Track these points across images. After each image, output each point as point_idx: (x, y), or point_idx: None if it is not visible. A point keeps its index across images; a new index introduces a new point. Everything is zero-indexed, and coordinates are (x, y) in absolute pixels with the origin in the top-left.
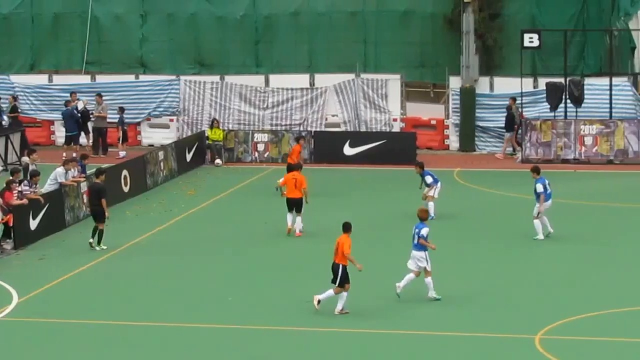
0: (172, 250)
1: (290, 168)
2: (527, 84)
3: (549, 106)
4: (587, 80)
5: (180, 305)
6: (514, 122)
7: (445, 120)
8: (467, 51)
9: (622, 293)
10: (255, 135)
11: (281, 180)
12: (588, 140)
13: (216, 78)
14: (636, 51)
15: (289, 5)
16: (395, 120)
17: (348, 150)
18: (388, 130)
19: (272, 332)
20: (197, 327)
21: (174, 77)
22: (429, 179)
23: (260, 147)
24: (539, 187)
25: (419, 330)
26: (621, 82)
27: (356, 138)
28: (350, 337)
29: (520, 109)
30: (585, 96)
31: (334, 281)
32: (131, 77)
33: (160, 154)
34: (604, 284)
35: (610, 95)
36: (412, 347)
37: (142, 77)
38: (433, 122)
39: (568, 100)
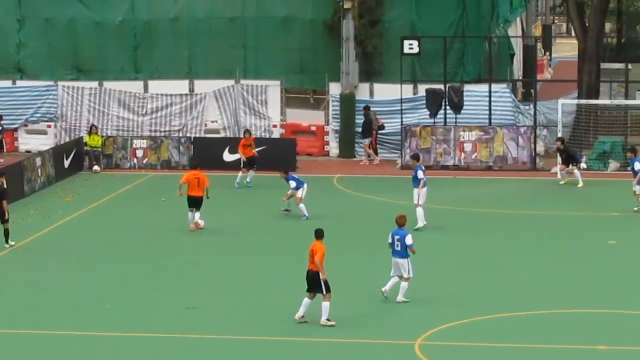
0: (49, 257)
1: (192, 166)
2: (407, 90)
3: (428, 112)
4: (467, 87)
5: (56, 312)
6: (371, 128)
7: (325, 127)
8: (347, 57)
9: (503, 299)
10: (134, 141)
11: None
12: (467, 147)
13: (95, 84)
14: (515, 58)
15: (168, 10)
16: (275, 126)
17: (228, 157)
18: (268, 136)
19: (147, 339)
20: (72, 334)
21: (51, 83)
22: (292, 184)
23: (139, 153)
24: (420, 174)
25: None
26: (500, 89)
27: (236, 144)
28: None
29: (376, 115)
30: (465, 103)
31: (310, 290)
32: (8, 83)
33: (38, 160)
34: (485, 290)
35: (490, 101)
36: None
37: (19, 83)
38: (313, 128)
39: (448, 107)
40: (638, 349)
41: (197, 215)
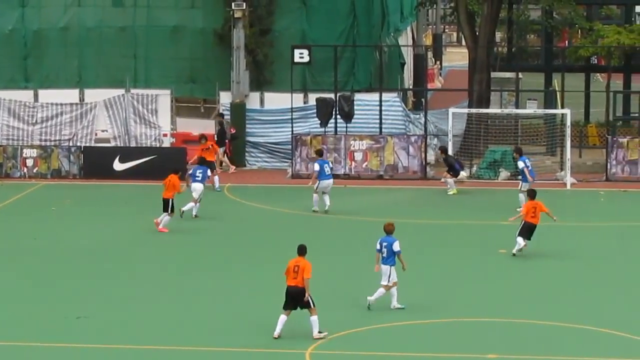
0: None
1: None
2: (298, 99)
3: (319, 122)
4: (357, 96)
5: None
6: (224, 137)
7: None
8: (238, 66)
9: (392, 309)
10: (24, 150)
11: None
12: (358, 156)
13: None
14: (406, 67)
15: (58, 19)
16: (165, 135)
17: (118, 166)
18: (158, 145)
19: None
20: None
21: None
22: (316, 167)
23: (30, 162)
24: (316, 166)
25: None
26: (391, 98)
27: (126, 153)
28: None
29: (229, 123)
30: (356, 112)
31: (288, 307)
32: None
33: None
34: (383, 298)
35: (380, 110)
36: None
37: None
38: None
39: (338, 116)
40: (527, 357)
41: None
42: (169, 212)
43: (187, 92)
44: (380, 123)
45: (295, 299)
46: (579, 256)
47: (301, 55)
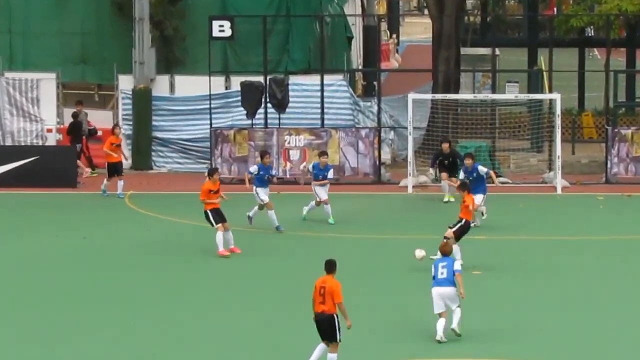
0: None
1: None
2: (218, 84)
3: (245, 112)
4: (293, 79)
5: None
6: (80, 133)
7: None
8: (141, 43)
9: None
10: None
11: None
12: (294, 154)
13: None
14: (354, 42)
15: None
16: (50, 131)
17: None
18: (41, 143)
19: None
20: None
21: None
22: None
23: None
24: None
25: None
26: (335, 81)
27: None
28: None
29: (87, 116)
30: (291, 99)
31: (325, 337)
32: None
33: None
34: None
35: (322, 97)
36: None
37: None
38: (99, 132)
39: (269, 105)
40: None
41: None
42: None
43: (78, 76)
44: (322, 113)
45: (322, 328)
46: (571, 279)
47: (221, 29)
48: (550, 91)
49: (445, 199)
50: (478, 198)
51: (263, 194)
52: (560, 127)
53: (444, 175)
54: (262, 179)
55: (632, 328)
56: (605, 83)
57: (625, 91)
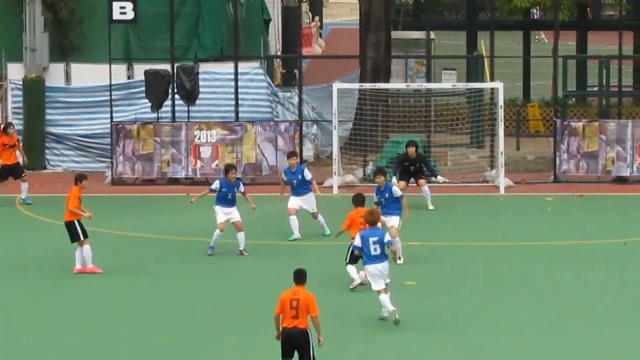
0: None
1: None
2: (119, 73)
3: (149, 104)
4: (203, 67)
5: None
6: None
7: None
8: (32, 27)
9: None
10: None
11: None
12: (205, 152)
13: None
14: (271, 26)
15: None
16: None
17: None
18: None
19: None
20: None
21: None
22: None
23: None
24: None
25: None
26: (251, 70)
27: None
28: None
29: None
30: (201, 90)
31: (287, 355)
32: None
33: None
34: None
35: (236, 88)
36: None
37: None
38: None
39: (177, 96)
40: None
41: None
42: None
43: None
44: (237, 105)
45: (292, 345)
46: (516, 289)
47: (122, 11)
48: (492, 80)
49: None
50: (394, 220)
51: (221, 214)
52: (503, 120)
53: (402, 184)
54: (225, 197)
55: (583, 346)
56: (554, 70)
57: (576, 79)
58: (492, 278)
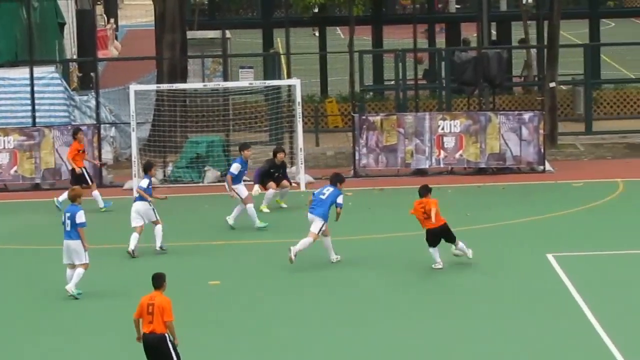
0: None
1: None
2: None
3: None
4: None
5: None
6: None
7: None
8: None
9: None
10: None
11: None
12: (4, 158)
13: None
14: (67, 29)
15: None
16: None
17: None
18: None
19: None
20: None
21: None
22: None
23: None
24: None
25: None
26: (47, 74)
27: None
28: None
29: None
30: None
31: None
32: None
33: None
34: None
35: (32, 92)
36: None
37: None
38: None
39: None
40: None
41: None
42: None
43: None
44: (33, 110)
45: (153, 352)
46: (316, 292)
47: None
48: (289, 76)
49: (266, 210)
50: (316, 225)
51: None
52: (301, 117)
53: (274, 184)
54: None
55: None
56: (350, 65)
57: (373, 73)
58: (291, 280)
